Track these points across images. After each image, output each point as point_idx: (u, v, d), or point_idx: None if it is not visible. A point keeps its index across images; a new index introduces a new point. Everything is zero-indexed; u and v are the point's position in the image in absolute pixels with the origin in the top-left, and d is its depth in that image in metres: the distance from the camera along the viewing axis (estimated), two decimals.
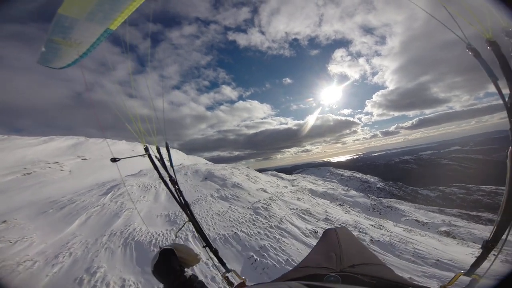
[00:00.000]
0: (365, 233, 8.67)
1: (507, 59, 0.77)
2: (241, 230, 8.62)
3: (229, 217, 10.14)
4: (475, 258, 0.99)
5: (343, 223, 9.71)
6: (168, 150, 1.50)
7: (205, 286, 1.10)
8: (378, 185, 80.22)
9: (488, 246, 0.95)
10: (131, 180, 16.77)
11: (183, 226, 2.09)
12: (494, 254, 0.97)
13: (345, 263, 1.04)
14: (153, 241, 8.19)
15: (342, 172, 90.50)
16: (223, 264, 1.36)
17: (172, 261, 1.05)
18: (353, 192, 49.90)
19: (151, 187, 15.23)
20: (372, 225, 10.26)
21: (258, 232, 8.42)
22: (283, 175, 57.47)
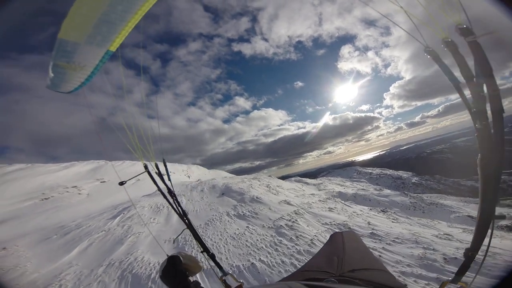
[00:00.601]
0: (433, 249, 6.24)
1: (465, 60, 0.71)
2: (260, 260, 6.60)
3: (246, 241, 8.16)
4: (459, 266, 0.96)
5: (396, 237, 7.29)
6: (165, 165, 1.53)
7: None
8: (413, 180, 74.21)
9: (469, 255, 0.94)
10: (144, 201, 15.56)
11: (181, 233, 1.37)
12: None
13: (346, 268, 1.04)
14: (152, 275, 6.67)
15: (370, 171, 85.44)
16: (220, 267, 1.40)
17: (177, 267, 1.12)
18: (387, 191, 46.00)
19: (163, 207, 13.84)
20: (436, 236, 7.71)
21: (282, 261, 6.35)
22: (308, 180, 54.65)
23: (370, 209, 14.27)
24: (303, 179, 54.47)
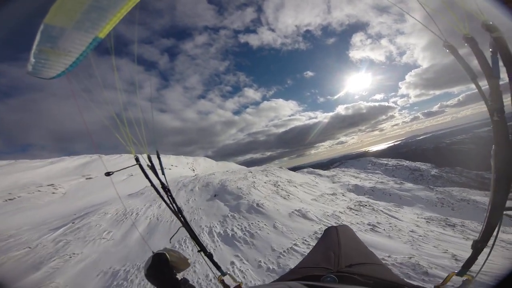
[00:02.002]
0: None
1: (485, 55, 0.73)
2: None
3: None
4: (467, 258, 0.93)
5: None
6: (158, 158, 1.35)
7: None
8: (432, 173, 68.94)
9: (477, 246, 0.92)
10: (116, 204, 11.94)
11: (176, 232, 1.72)
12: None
13: (343, 263, 1.01)
14: None
15: (385, 162, 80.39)
16: (218, 267, 1.32)
17: (163, 265, 1.06)
18: (409, 185, 41.24)
19: (132, 214, 10.30)
20: None
21: None
22: (321, 172, 51.00)
23: (428, 222, 9.95)
24: (316, 170, 51.00)
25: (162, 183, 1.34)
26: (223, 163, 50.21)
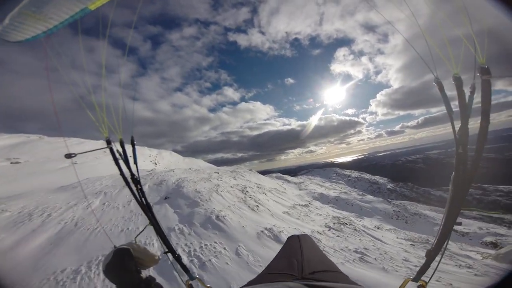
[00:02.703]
0: None
1: (465, 96, 0.82)
2: None
3: None
4: (421, 265, 0.98)
5: None
6: (133, 146, 1.19)
7: None
8: (388, 186, 73.64)
9: (431, 255, 0.98)
10: (33, 198, 9.05)
11: (143, 229, 1.48)
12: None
13: (306, 270, 1.02)
14: None
15: (349, 173, 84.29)
16: (186, 271, 1.22)
17: (126, 261, 0.97)
18: (370, 197, 42.67)
19: (43, 213, 7.48)
20: None
21: None
22: (289, 178, 51.11)
23: (412, 245, 8.97)
24: (284, 176, 50.88)
25: (132, 174, 1.15)
26: (190, 159, 46.50)
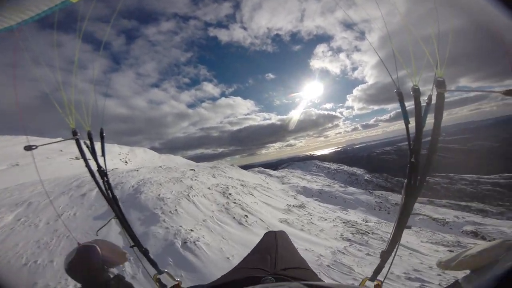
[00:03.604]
0: None
1: (421, 108, 0.83)
2: None
3: None
4: (376, 265, 1.02)
5: None
6: (102, 138, 1.14)
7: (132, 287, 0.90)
8: (365, 177, 76.14)
9: (384, 256, 1.01)
10: None
11: (107, 222, 0.76)
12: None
13: (279, 266, 1.04)
14: None
15: (328, 165, 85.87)
16: (154, 265, 1.13)
17: (91, 259, 0.85)
18: (352, 189, 42.70)
19: None
20: None
21: None
22: (271, 172, 49.91)
23: (436, 251, 7.43)
24: (266, 170, 49.60)
25: (99, 166, 1.12)
26: (167, 156, 42.84)
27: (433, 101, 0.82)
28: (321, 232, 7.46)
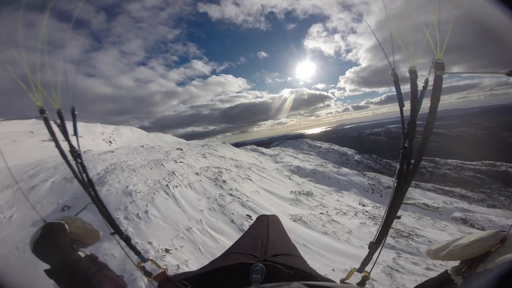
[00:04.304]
0: None
1: (417, 90, 0.80)
2: None
3: None
4: (364, 257, 0.97)
5: None
6: (73, 116, 0.99)
7: (107, 268, 0.84)
8: (356, 158, 76.74)
9: (373, 247, 0.96)
10: None
11: (84, 208, 1.05)
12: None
13: (269, 252, 1.01)
14: None
15: (319, 145, 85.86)
16: (137, 252, 1.03)
17: (58, 237, 0.78)
18: (345, 170, 42.14)
19: None
20: None
21: None
22: (264, 150, 48.64)
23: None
24: (259, 148, 48.32)
25: (72, 146, 0.98)
26: (156, 134, 39.58)
27: (430, 85, 0.79)
28: (350, 235, 5.69)
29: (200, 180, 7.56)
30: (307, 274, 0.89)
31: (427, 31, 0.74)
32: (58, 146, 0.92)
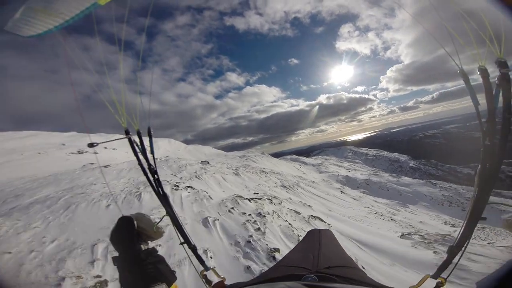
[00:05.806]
0: None
1: (492, 88, 0.76)
2: None
3: None
4: (442, 262, 0.92)
5: None
6: (150, 136, 1.17)
7: (162, 262, 0.93)
8: (411, 164, 66.62)
9: (453, 251, 0.92)
10: None
11: (161, 220, 1.20)
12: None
13: (322, 264, 0.98)
14: None
15: (365, 151, 77.61)
16: (201, 261, 1.15)
17: (126, 230, 0.94)
18: (407, 179, 35.20)
19: None
20: None
21: None
22: (305, 159, 43.98)
23: None
24: (300, 158, 43.96)
25: (149, 164, 1.14)
26: (195, 146, 39.59)
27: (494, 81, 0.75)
28: None
29: (223, 243, 4.58)
30: (365, 284, 0.81)
31: (491, 30, 0.71)
32: (140, 164, 1.07)
